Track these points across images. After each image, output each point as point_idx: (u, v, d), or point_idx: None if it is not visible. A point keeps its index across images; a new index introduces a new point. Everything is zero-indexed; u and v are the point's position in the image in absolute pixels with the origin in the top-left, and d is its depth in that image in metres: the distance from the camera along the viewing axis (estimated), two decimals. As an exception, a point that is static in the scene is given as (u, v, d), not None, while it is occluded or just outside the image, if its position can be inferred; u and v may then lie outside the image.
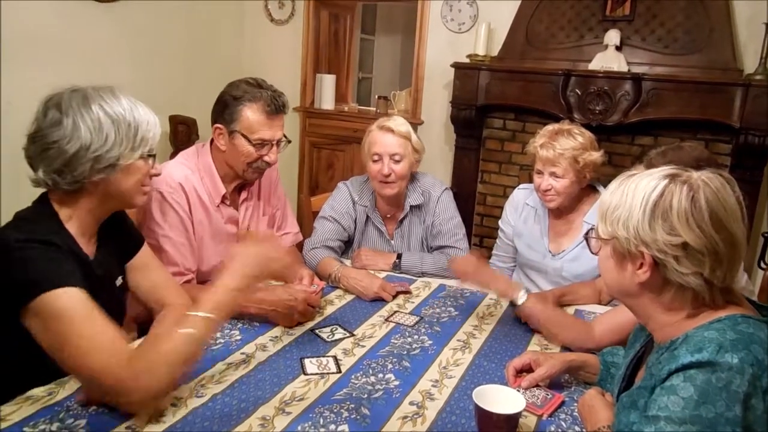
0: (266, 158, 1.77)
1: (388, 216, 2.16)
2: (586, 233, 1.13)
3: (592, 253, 1.10)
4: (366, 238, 2.18)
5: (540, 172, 1.98)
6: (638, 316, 1.08)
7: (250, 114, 1.71)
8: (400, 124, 2.05)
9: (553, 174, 1.95)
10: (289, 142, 1.84)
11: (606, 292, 1.81)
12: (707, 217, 0.93)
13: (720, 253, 0.94)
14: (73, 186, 1.23)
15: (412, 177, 2.15)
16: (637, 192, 0.98)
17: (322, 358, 1.39)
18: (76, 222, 1.27)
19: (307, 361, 1.38)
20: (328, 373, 1.35)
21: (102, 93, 1.24)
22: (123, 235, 1.43)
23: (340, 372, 1.36)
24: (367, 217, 2.15)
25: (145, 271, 1.46)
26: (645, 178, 0.99)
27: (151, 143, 1.30)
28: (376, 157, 2.02)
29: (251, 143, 1.72)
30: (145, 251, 1.48)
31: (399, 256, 2.03)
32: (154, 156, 1.33)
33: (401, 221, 2.14)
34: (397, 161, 2.01)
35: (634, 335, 1.21)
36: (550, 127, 2.01)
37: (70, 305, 1.10)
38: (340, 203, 2.14)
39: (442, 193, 2.14)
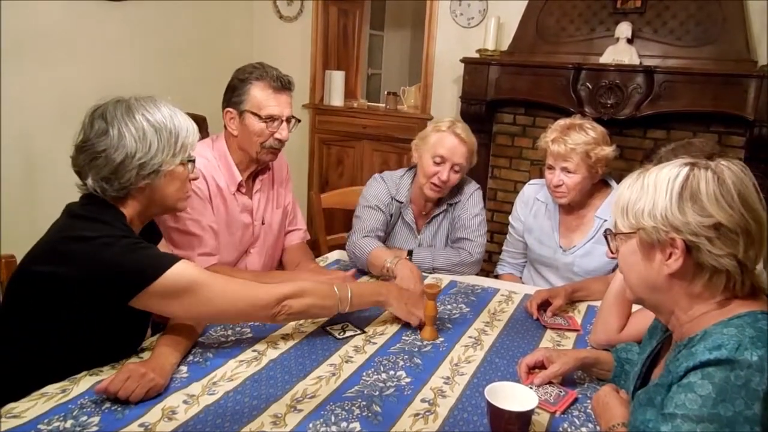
0: (277, 135, 1.78)
1: (421, 213, 2.16)
2: (604, 233, 1.10)
3: (611, 253, 1.08)
4: (395, 232, 2.16)
5: (551, 168, 1.96)
6: (661, 313, 1.05)
7: (257, 92, 1.74)
8: (469, 133, 2.03)
9: (564, 169, 1.93)
10: (299, 121, 1.86)
11: (628, 293, 1.77)
12: (736, 196, 0.93)
13: (752, 232, 0.93)
14: (119, 193, 1.29)
15: None
16: (659, 181, 0.97)
17: (339, 324, 1.56)
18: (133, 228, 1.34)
19: (329, 328, 1.54)
20: (354, 335, 1.51)
21: (144, 102, 1.31)
22: (145, 234, 1.45)
23: (364, 332, 1.53)
24: (400, 212, 2.14)
25: None
26: (664, 168, 0.99)
27: (190, 149, 1.37)
28: (438, 159, 1.99)
29: (262, 119, 1.75)
30: (161, 246, 1.50)
31: (410, 252, 2.03)
32: (193, 161, 1.40)
33: (434, 218, 2.14)
34: (457, 171, 2.01)
35: (649, 332, 1.19)
36: (562, 121, 1.99)
37: (193, 272, 1.25)
38: (383, 194, 2.11)
39: (474, 190, 2.14)
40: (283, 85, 1.77)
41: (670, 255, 0.96)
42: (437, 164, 1.99)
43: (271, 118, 1.76)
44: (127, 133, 1.26)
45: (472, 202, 2.12)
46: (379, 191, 2.12)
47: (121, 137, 1.26)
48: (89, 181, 1.28)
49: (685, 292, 0.98)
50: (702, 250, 0.93)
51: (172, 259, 1.25)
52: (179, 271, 1.23)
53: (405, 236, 2.16)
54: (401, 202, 2.12)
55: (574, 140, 1.89)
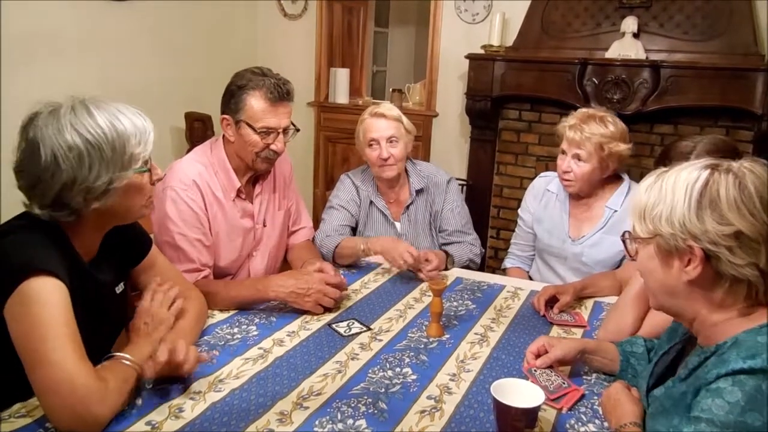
0: (273, 147, 1.76)
1: (391, 201, 2.21)
2: (622, 235, 1.08)
3: (630, 257, 1.05)
4: (370, 222, 2.21)
5: (564, 153, 1.97)
6: (682, 318, 1.02)
7: (254, 102, 1.71)
8: (390, 108, 2.15)
9: (576, 156, 1.93)
10: (297, 130, 1.82)
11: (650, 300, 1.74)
12: (758, 203, 0.89)
13: None
14: (71, 217, 1.15)
15: (411, 163, 2.22)
16: (677, 185, 0.94)
17: (345, 322, 1.57)
18: (78, 239, 1.21)
19: (335, 326, 1.55)
20: (360, 332, 1.52)
21: (77, 113, 1.11)
22: (128, 241, 1.38)
23: (370, 329, 1.53)
24: (371, 201, 2.20)
25: (154, 273, 1.46)
26: (684, 171, 0.95)
27: (143, 155, 1.18)
28: (373, 143, 2.09)
29: (256, 132, 1.72)
30: (153, 253, 1.47)
31: (447, 254, 2.05)
32: (148, 166, 1.22)
33: (408, 207, 2.19)
34: (394, 143, 2.08)
35: (668, 333, 1.17)
36: (585, 110, 2.00)
37: (53, 296, 1.06)
38: (344, 192, 2.20)
39: (450, 180, 2.23)
40: (281, 95, 1.71)
41: (689, 262, 0.93)
42: (373, 148, 2.09)
43: (266, 131, 1.72)
44: (59, 155, 1.07)
45: (453, 195, 2.21)
46: (340, 190, 2.21)
47: (54, 160, 1.07)
48: (35, 209, 1.13)
49: (705, 299, 0.95)
50: (722, 259, 0.90)
51: (44, 269, 1.06)
52: (43, 284, 1.04)
53: (381, 224, 2.20)
54: (368, 191, 2.19)
55: (591, 130, 1.90)
